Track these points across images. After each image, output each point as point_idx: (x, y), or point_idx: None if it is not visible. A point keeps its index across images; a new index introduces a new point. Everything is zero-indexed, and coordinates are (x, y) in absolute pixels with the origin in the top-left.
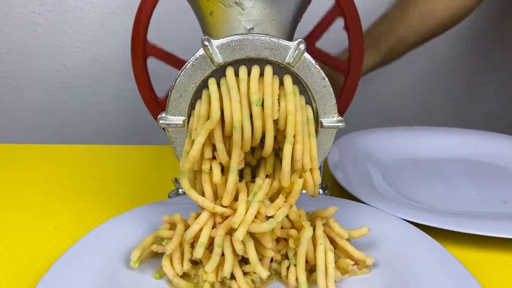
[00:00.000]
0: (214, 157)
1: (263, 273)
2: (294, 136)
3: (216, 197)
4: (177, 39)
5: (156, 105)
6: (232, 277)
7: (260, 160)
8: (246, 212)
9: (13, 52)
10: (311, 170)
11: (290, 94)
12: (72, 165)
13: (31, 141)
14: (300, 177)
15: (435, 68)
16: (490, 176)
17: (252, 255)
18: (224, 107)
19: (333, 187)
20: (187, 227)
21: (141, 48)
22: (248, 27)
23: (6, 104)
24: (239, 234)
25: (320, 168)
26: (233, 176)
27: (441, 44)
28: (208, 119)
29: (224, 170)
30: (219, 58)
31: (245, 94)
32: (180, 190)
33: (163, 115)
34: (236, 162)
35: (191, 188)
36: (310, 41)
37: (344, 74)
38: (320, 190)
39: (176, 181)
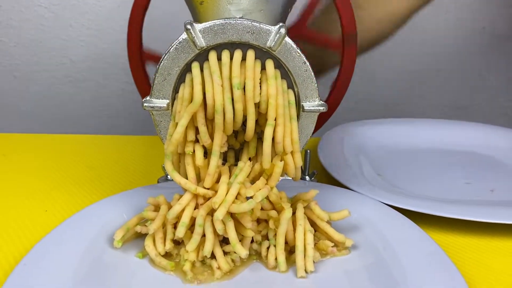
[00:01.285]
0: (197, 140)
1: (242, 252)
2: (275, 119)
3: (199, 180)
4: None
5: None
6: (213, 256)
7: (243, 143)
8: (227, 193)
9: (19, 45)
10: (292, 153)
11: (271, 77)
12: (69, 154)
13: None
14: (281, 160)
15: (426, 64)
16: (480, 165)
17: (232, 234)
18: (206, 90)
19: (321, 175)
20: (170, 208)
21: (138, 56)
22: (238, 17)
23: (13, 97)
24: (219, 214)
25: (306, 155)
26: (215, 159)
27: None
28: (191, 102)
29: (207, 153)
30: (201, 42)
31: (227, 77)
32: (169, 176)
33: (148, 98)
34: (218, 145)
35: (174, 171)
36: (301, 23)
37: (338, 51)
38: (307, 177)
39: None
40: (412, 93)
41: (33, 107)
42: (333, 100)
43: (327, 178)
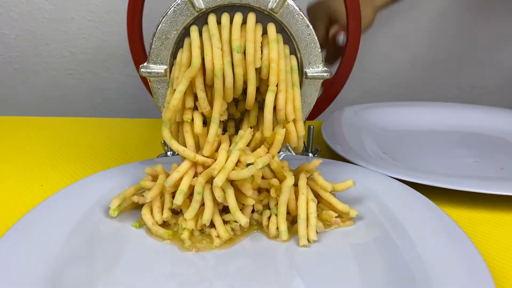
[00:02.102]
0: (196, 108)
1: (243, 219)
2: (277, 86)
3: (199, 148)
4: None
5: None
6: (212, 225)
7: (244, 113)
8: (226, 160)
9: (20, 38)
10: (294, 121)
11: (273, 41)
12: (68, 135)
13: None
14: (283, 128)
15: (436, 46)
16: (488, 146)
17: (231, 201)
18: (205, 54)
19: (324, 153)
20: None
21: (139, 7)
22: None
23: (13, 89)
24: (219, 180)
25: (310, 131)
26: (214, 127)
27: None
28: (190, 67)
29: (206, 122)
30: (200, 4)
31: (227, 41)
32: (168, 153)
33: (145, 64)
34: (217, 112)
35: (172, 138)
36: None
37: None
38: (310, 154)
39: (165, 144)
40: (421, 77)
41: (34, 100)
42: (340, 75)
43: (331, 156)
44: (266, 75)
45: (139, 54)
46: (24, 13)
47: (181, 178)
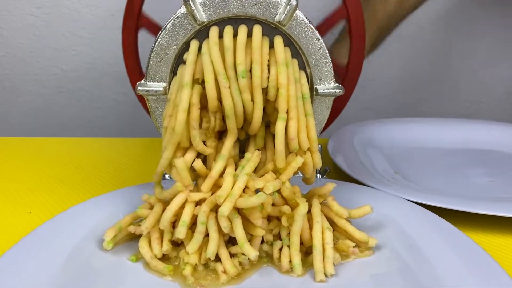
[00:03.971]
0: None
1: (252, 252)
2: (287, 112)
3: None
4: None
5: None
6: (218, 259)
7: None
8: (233, 186)
9: (10, 55)
10: (310, 151)
11: (282, 65)
12: (56, 156)
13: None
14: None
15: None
16: (503, 164)
17: (239, 232)
18: (205, 81)
19: (333, 172)
20: (165, 206)
21: (135, 17)
22: None
23: (2, 108)
24: (225, 209)
25: None
26: (221, 163)
27: None
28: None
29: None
30: (202, 16)
31: (231, 66)
32: (166, 176)
33: (142, 81)
34: (228, 149)
35: (159, 187)
36: None
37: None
38: (318, 175)
39: None
40: (425, 92)
41: (23, 119)
42: (346, 88)
43: (339, 177)
44: (273, 97)
45: (135, 70)
46: (14, 30)
47: (182, 208)
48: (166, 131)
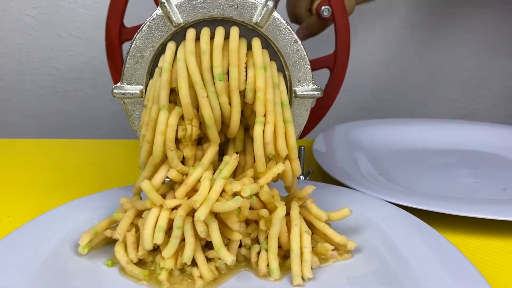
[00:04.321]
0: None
1: (228, 257)
2: (265, 116)
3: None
4: None
5: None
6: (194, 263)
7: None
8: (209, 190)
9: (5, 55)
10: (289, 159)
11: (259, 68)
12: (39, 158)
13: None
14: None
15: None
16: (488, 165)
17: (215, 237)
18: (178, 88)
19: (316, 175)
20: (139, 212)
21: (117, 32)
22: None
23: None
24: (201, 214)
25: (301, 151)
26: (199, 171)
27: None
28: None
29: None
30: (178, 18)
31: (208, 69)
32: None
33: (119, 84)
34: (209, 159)
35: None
36: None
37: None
38: (301, 176)
39: None
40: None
41: (19, 119)
42: (332, 87)
43: (323, 178)
44: (251, 99)
45: (118, 73)
46: (9, 30)
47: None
48: (144, 140)
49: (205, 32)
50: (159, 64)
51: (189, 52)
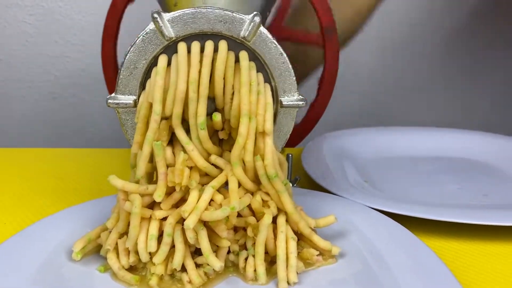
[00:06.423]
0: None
1: (217, 264)
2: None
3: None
4: None
5: None
6: (183, 269)
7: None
8: (198, 199)
9: (2, 62)
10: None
11: (244, 116)
12: (36, 166)
13: None
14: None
15: (416, 68)
16: (471, 171)
17: (204, 244)
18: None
19: (303, 183)
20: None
21: (114, 31)
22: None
23: None
24: (190, 222)
25: (288, 159)
26: (194, 194)
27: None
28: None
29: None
30: (170, 32)
31: (195, 81)
32: None
33: (113, 94)
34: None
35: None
36: (277, 22)
37: (320, 46)
38: (289, 184)
39: None
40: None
41: (16, 125)
42: (322, 98)
43: (310, 186)
44: (234, 124)
45: (114, 83)
46: (6, 37)
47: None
48: (134, 158)
49: (196, 43)
50: (151, 76)
51: (179, 101)
